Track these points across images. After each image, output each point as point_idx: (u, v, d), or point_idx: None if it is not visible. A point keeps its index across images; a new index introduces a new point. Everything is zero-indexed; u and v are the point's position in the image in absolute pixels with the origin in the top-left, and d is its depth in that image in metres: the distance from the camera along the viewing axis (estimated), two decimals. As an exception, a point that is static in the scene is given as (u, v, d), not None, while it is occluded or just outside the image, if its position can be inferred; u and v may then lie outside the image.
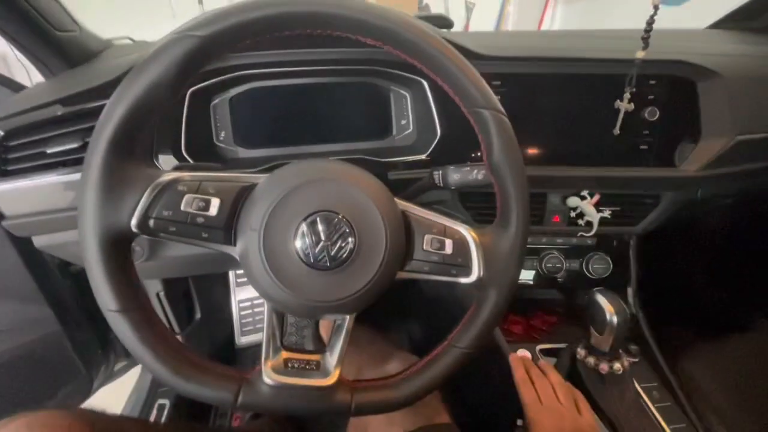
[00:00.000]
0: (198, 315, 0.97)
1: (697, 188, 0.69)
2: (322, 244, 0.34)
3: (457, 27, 0.78)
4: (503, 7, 3.16)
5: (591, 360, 0.63)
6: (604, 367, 0.62)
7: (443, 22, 0.71)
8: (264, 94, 0.62)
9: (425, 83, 0.61)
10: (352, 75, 0.63)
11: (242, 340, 1.06)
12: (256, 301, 1.07)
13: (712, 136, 0.63)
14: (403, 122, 0.66)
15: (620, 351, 0.63)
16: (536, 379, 0.58)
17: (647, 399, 0.67)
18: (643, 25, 0.56)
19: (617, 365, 0.62)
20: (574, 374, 0.65)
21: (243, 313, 1.07)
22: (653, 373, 0.71)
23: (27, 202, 0.55)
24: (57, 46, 0.59)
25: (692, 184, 0.68)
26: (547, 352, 0.72)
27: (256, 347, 1.04)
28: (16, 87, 0.67)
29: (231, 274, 1.06)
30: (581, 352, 0.64)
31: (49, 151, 0.53)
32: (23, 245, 0.62)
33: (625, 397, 0.63)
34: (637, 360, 0.72)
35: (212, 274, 1.02)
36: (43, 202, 0.54)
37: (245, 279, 1.06)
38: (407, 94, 0.65)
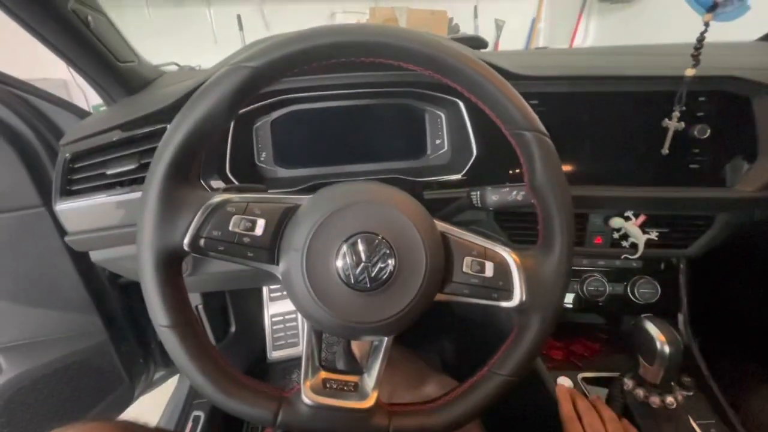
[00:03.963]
0: (233, 328, 0.99)
1: (754, 209, 0.64)
2: (362, 265, 0.34)
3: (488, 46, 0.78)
4: (534, 24, 3.16)
5: (640, 392, 0.59)
6: (655, 400, 0.57)
7: (478, 43, 0.72)
8: (303, 116, 0.65)
9: (461, 104, 0.61)
10: (388, 97, 0.64)
11: (273, 355, 1.06)
12: (287, 316, 1.08)
13: (770, 154, 0.59)
14: (438, 142, 0.66)
15: (672, 383, 0.59)
16: (584, 414, 0.54)
17: None
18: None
19: (670, 399, 0.57)
20: (623, 407, 0.61)
21: (275, 327, 1.08)
22: (711, 409, 0.65)
23: (87, 220, 0.59)
24: (118, 75, 0.64)
25: (749, 205, 0.63)
26: (590, 381, 0.68)
27: (287, 362, 1.05)
28: (81, 113, 0.73)
29: (264, 288, 1.09)
30: (628, 383, 0.60)
31: (109, 172, 0.57)
32: (81, 260, 0.66)
33: None
34: (691, 394, 0.66)
35: (247, 289, 1.04)
36: (102, 219, 0.58)
37: (278, 293, 1.08)
38: (442, 114, 0.65)
